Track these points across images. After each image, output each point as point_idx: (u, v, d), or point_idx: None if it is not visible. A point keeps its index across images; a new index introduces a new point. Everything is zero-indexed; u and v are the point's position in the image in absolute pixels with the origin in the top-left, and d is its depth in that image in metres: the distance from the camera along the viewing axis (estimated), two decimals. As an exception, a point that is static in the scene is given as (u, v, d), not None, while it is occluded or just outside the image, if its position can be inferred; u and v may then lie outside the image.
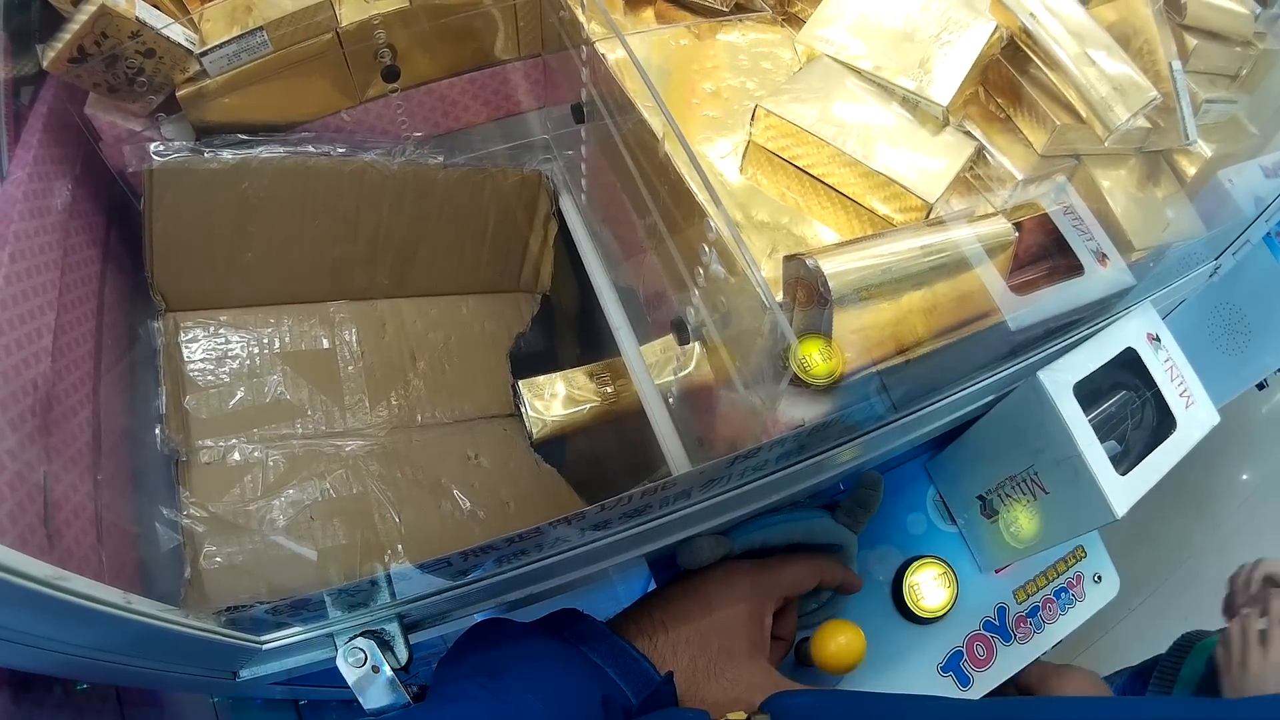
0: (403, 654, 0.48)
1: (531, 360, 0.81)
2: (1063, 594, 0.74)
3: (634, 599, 0.60)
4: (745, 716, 0.47)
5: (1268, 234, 0.80)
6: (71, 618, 0.36)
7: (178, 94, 0.60)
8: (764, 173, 0.54)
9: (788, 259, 0.45)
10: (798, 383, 0.47)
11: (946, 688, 0.68)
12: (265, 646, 0.47)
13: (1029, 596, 0.73)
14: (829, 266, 0.43)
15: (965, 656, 0.69)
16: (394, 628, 0.48)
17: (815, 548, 0.63)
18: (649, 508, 0.48)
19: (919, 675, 0.68)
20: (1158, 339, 0.63)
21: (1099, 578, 0.76)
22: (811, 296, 0.45)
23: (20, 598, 0.32)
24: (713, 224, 0.48)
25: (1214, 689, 0.70)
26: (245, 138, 0.63)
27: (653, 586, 0.65)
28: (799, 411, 0.47)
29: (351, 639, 0.47)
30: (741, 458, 0.46)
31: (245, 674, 0.49)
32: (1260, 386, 1.06)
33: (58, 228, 0.57)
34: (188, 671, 0.46)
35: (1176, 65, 0.57)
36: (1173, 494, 1.18)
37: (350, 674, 0.47)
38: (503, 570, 0.48)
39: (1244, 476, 1.18)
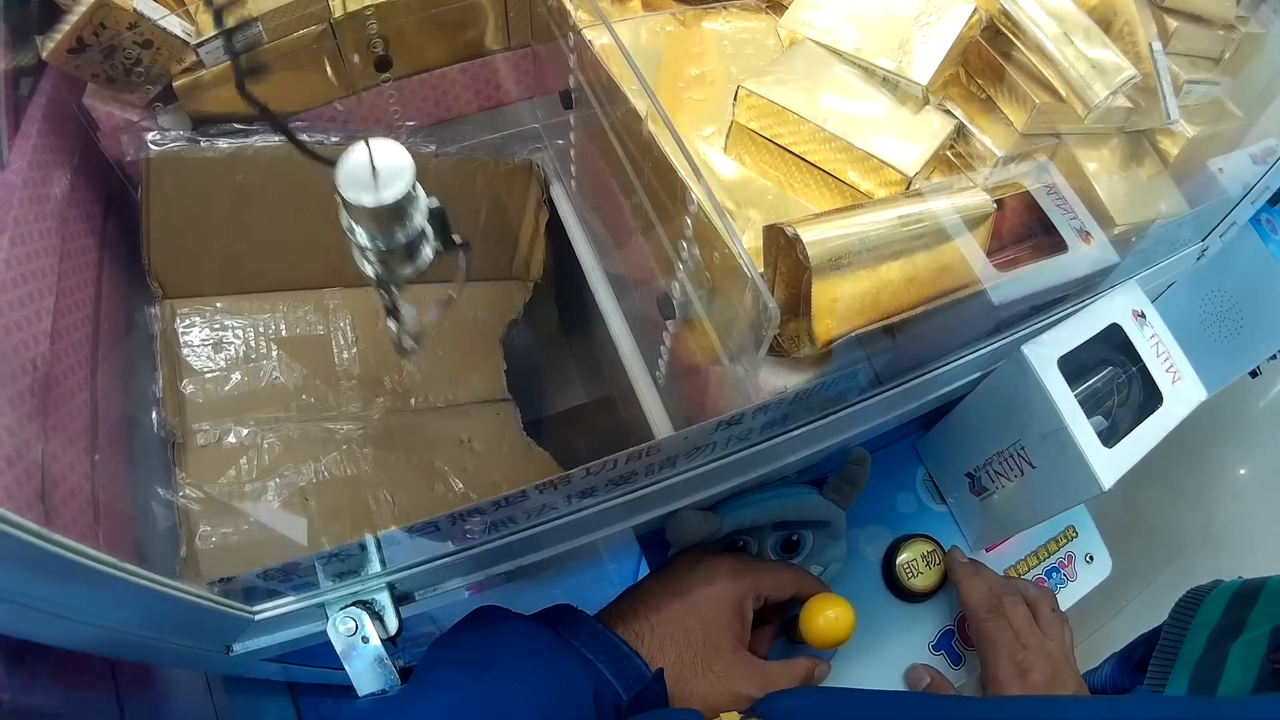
0: (393, 624, 0.49)
1: (524, 348, 0.81)
2: (1054, 573, 0.74)
3: (626, 579, 0.61)
4: (739, 718, 0.47)
5: (1254, 217, 0.80)
6: (65, 575, 0.36)
7: (174, 84, 0.61)
8: (747, 152, 0.55)
9: (768, 229, 0.46)
10: (780, 351, 0.48)
11: (938, 666, 0.68)
12: (258, 617, 0.47)
13: (1020, 576, 0.73)
14: (808, 234, 0.43)
15: (957, 635, 0.69)
16: (384, 597, 0.49)
17: (804, 524, 0.64)
18: (634, 475, 0.48)
19: (910, 654, 0.68)
20: (1143, 316, 0.64)
21: (1090, 558, 0.76)
22: (792, 266, 0.46)
23: (14, 551, 0.33)
24: (694, 196, 0.49)
25: (1216, 667, 0.66)
26: (240, 127, 0.64)
27: (644, 566, 0.65)
28: (781, 379, 0.48)
29: (343, 608, 0.48)
30: (725, 423, 0.47)
31: (238, 648, 0.50)
32: (1253, 374, 1.06)
33: (56, 215, 0.58)
34: (181, 643, 0.47)
35: (1157, 46, 0.57)
36: (1167, 487, 1.18)
37: (339, 642, 0.47)
38: (491, 538, 0.48)
39: (1240, 471, 1.17)
